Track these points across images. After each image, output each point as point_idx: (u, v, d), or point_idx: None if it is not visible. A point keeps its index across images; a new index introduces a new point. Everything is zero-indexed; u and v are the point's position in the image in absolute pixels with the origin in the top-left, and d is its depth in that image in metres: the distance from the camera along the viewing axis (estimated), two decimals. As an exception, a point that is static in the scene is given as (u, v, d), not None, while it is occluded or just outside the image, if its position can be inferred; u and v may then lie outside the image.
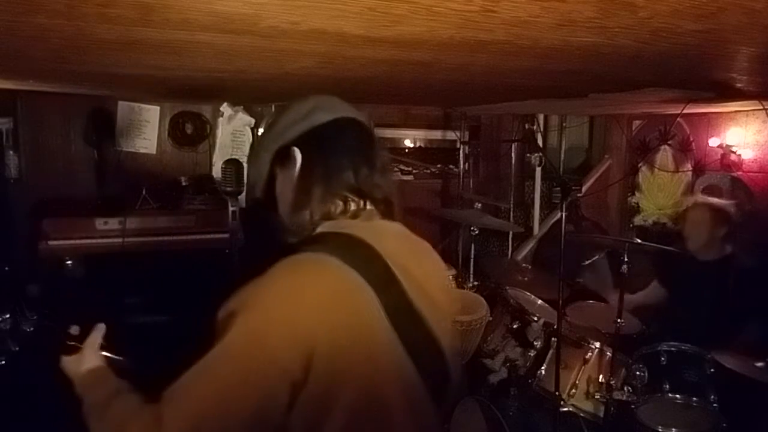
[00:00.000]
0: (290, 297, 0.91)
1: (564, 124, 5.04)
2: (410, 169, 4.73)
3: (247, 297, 0.92)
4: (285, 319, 0.89)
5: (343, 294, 0.95)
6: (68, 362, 1.19)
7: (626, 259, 2.55)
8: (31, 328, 1.28)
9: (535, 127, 4.70)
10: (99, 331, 1.24)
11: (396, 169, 4.61)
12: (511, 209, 4.75)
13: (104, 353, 1.21)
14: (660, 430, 2.36)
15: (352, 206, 1.08)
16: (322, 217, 1.06)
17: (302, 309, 0.90)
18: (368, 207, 1.10)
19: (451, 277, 3.42)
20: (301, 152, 1.09)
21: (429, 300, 1.06)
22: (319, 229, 1.06)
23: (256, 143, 1.23)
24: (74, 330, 1.24)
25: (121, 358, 1.23)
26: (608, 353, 2.59)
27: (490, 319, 3.11)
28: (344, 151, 1.10)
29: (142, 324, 3.19)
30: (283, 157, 1.11)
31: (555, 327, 2.64)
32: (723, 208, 2.94)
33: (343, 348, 0.91)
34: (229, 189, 2.57)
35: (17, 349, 1.27)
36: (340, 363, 0.90)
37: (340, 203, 1.07)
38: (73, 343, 1.21)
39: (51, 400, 1.53)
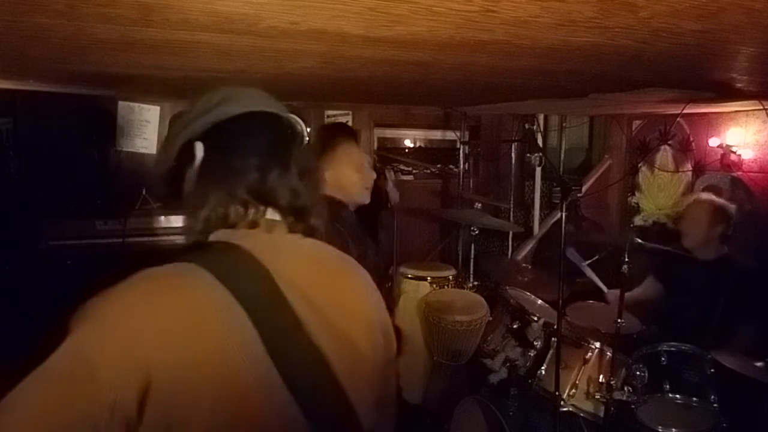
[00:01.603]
0: (132, 317, 0.77)
1: (564, 124, 5.04)
2: (410, 169, 4.74)
3: (87, 310, 0.79)
4: (120, 345, 0.75)
5: (201, 319, 0.80)
6: None
7: (626, 259, 2.55)
8: None
9: (535, 127, 4.70)
10: None
11: (396, 169, 4.62)
12: (511, 209, 4.76)
13: None
14: (660, 430, 2.36)
15: (251, 213, 0.94)
16: (219, 223, 0.93)
17: (143, 334, 0.76)
18: (270, 216, 0.95)
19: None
20: (204, 148, 0.96)
21: (336, 335, 0.90)
22: (212, 237, 0.93)
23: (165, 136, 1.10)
24: None
25: None
26: (608, 353, 2.59)
27: (490, 319, 3.11)
28: (252, 148, 0.96)
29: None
30: (187, 153, 0.97)
31: (555, 327, 2.64)
32: (722, 207, 2.94)
33: (191, 381, 0.76)
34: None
35: None
36: (186, 398, 0.76)
37: (240, 209, 0.93)
38: None
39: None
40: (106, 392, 0.72)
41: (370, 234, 2.25)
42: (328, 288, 0.95)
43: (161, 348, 0.76)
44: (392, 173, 3.70)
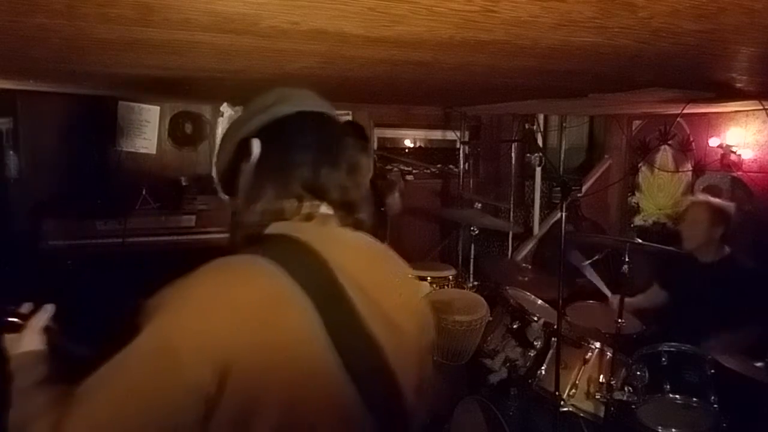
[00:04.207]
0: (209, 304, 0.83)
1: (564, 124, 5.04)
2: (410, 169, 4.74)
3: (164, 298, 0.85)
4: (199, 328, 0.81)
5: (272, 306, 0.85)
6: (8, 340, 1.11)
7: (627, 259, 2.55)
8: None
9: (535, 127, 4.70)
10: (45, 312, 1.15)
11: (396, 169, 4.62)
12: (511, 209, 4.75)
13: (49, 336, 1.12)
14: (660, 430, 2.36)
15: (306, 207, 0.99)
16: (274, 216, 0.98)
17: (220, 319, 0.82)
18: (324, 210, 1.01)
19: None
20: (261, 145, 1.02)
21: (387, 323, 0.95)
22: (268, 230, 0.98)
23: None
24: (25, 308, 1.16)
25: (67, 344, 1.15)
26: (608, 353, 2.59)
27: (490, 319, 3.11)
28: (305, 146, 1.01)
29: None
30: (244, 149, 1.03)
31: (555, 327, 2.64)
32: (722, 208, 2.93)
33: (266, 365, 0.82)
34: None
35: None
36: (262, 381, 0.82)
37: (295, 203, 0.99)
38: (14, 320, 1.13)
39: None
40: (188, 373, 0.79)
41: None
42: (378, 277, 1.01)
43: (237, 335, 0.81)
44: (402, 183, 3.65)
